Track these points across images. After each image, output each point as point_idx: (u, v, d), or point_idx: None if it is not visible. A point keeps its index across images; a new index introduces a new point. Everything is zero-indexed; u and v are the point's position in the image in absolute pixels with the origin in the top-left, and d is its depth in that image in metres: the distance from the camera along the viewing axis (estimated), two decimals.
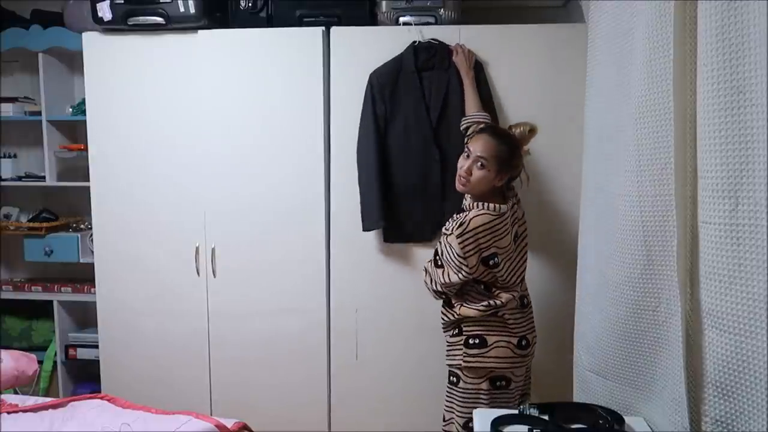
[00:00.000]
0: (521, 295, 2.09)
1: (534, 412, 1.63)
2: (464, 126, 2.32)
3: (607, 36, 1.80)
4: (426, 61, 2.46)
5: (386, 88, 2.47)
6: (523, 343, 2.05)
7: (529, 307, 2.14)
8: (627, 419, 1.59)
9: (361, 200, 2.51)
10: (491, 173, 1.96)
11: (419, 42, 2.47)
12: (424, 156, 2.48)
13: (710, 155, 1.27)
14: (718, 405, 1.31)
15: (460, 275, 1.96)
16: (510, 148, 1.99)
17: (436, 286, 2.05)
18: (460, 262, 1.94)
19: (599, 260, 1.82)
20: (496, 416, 1.61)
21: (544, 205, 2.52)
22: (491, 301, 1.99)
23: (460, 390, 2.06)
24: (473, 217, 1.92)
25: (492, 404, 2.02)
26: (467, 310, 2.02)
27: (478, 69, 2.45)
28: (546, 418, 1.61)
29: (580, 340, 1.99)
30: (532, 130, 2.03)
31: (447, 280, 2.00)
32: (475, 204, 1.98)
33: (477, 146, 1.98)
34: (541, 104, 2.48)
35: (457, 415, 2.08)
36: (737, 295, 1.23)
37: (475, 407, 2.01)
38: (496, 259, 1.95)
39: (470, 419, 2.03)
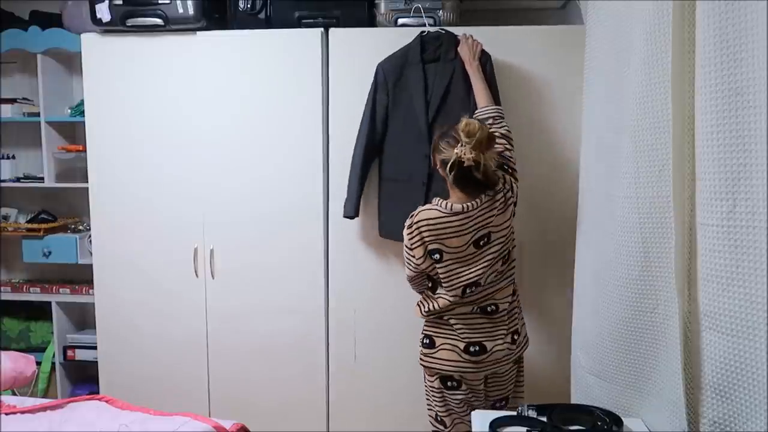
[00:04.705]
0: (487, 303, 2.01)
1: (532, 413, 1.64)
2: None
3: (605, 37, 1.80)
4: (432, 52, 2.42)
5: (390, 77, 2.44)
6: (473, 349, 1.98)
7: (497, 314, 2.03)
8: (625, 421, 1.59)
9: (347, 184, 2.51)
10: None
11: (428, 32, 2.44)
12: (414, 151, 2.42)
13: (708, 157, 1.27)
14: (716, 406, 1.31)
15: (410, 267, 2.02)
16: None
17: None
18: (408, 254, 2.00)
19: (597, 262, 1.82)
20: (494, 417, 1.61)
21: (541, 207, 2.52)
22: (432, 305, 2.02)
23: (424, 385, 2.13)
24: (421, 211, 1.96)
25: (444, 403, 2.07)
26: (417, 310, 2.09)
27: (486, 59, 2.38)
28: (544, 419, 1.61)
29: (578, 342, 1.99)
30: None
31: (406, 273, 2.07)
32: (434, 199, 2.00)
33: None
34: (539, 106, 2.48)
35: (427, 408, 2.16)
36: (735, 297, 1.23)
37: (432, 403, 2.10)
38: (438, 255, 1.95)
39: (437, 413, 2.10)
